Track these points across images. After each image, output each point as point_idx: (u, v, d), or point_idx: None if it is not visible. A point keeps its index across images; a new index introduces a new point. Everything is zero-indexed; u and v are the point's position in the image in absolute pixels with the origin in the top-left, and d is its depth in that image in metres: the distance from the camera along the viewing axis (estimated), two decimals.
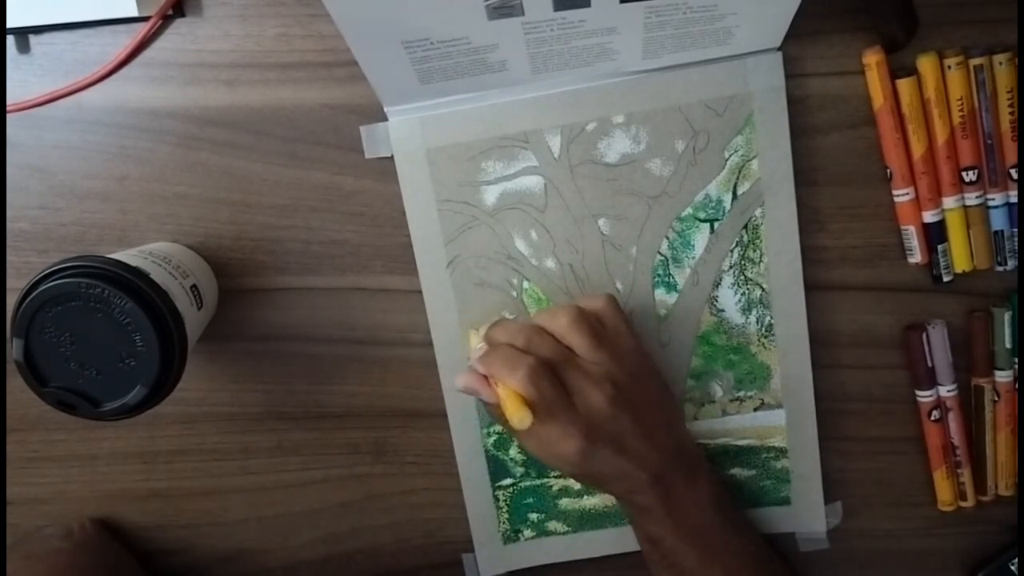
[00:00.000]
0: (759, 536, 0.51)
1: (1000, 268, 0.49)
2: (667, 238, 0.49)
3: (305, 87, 0.48)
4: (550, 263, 0.50)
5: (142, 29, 0.46)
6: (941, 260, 0.49)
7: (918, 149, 0.47)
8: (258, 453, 0.53)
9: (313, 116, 0.48)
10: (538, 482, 0.53)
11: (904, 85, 0.47)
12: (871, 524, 0.54)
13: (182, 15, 0.47)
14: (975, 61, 0.46)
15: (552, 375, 0.44)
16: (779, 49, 0.46)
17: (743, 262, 0.50)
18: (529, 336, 0.45)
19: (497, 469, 0.52)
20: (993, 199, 0.48)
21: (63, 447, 0.52)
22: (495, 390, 0.44)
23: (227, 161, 0.49)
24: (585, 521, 0.53)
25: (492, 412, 0.45)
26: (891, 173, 0.48)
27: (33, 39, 0.47)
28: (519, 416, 0.41)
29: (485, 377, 0.44)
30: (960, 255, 0.49)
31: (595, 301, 0.46)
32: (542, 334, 0.45)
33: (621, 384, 0.44)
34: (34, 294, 0.39)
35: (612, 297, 0.47)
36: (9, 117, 0.48)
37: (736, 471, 0.53)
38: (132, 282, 0.40)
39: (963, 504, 0.53)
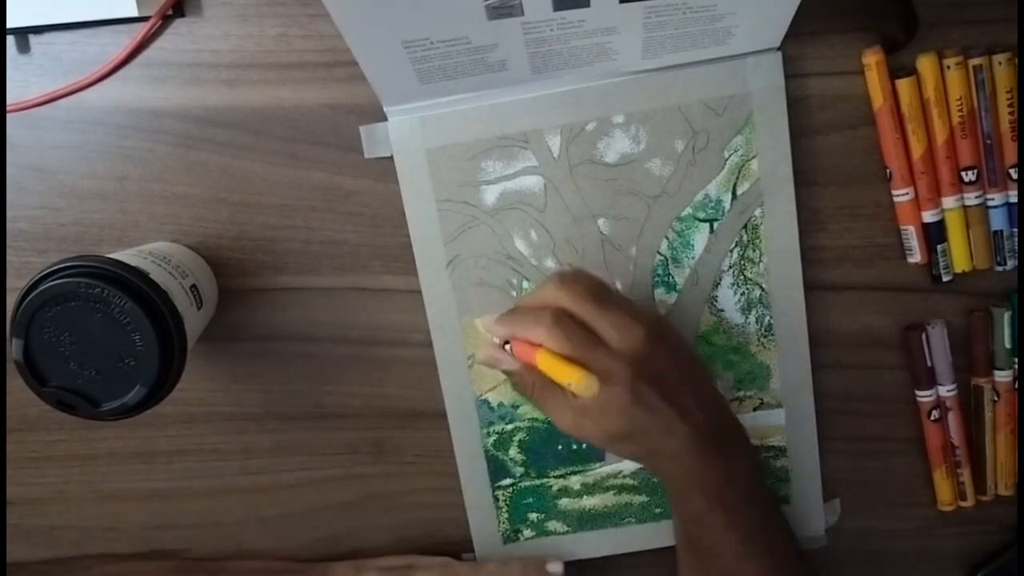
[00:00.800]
0: (791, 531, 0.48)
1: (1000, 268, 0.49)
2: (667, 238, 0.49)
3: (305, 87, 0.48)
4: (550, 263, 0.50)
5: (142, 29, 0.46)
6: (941, 260, 0.49)
7: (918, 149, 0.47)
8: (258, 453, 0.53)
9: (313, 116, 0.48)
10: (538, 482, 0.53)
11: (904, 85, 0.47)
12: (871, 524, 0.54)
13: (182, 15, 0.47)
14: (974, 61, 0.46)
15: (575, 320, 0.41)
16: (779, 49, 0.46)
17: (743, 262, 0.50)
18: (557, 279, 0.43)
19: (497, 469, 0.52)
20: (992, 199, 0.48)
21: (63, 447, 0.52)
22: (514, 357, 0.42)
23: (227, 161, 0.49)
24: (585, 521, 0.53)
25: (520, 385, 0.44)
26: (891, 173, 0.48)
27: (33, 39, 0.47)
28: (582, 381, 0.39)
29: (503, 346, 0.43)
30: (960, 255, 0.49)
31: (567, 272, 0.46)
32: (569, 276, 0.43)
33: (654, 323, 0.42)
34: (34, 294, 0.39)
35: (579, 269, 0.46)
36: (9, 117, 0.48)
37: None
38: (132, 282, 0.40)
39: (963, 504, 0.53)
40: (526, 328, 0.43)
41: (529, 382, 0.43)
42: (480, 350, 0.45)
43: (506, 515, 0.53)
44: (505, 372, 0.45)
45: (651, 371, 0.41)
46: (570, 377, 0.40)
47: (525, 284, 0.50)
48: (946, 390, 0.51)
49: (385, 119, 0.48)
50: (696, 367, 0.44)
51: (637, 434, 0.42)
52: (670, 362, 0.42)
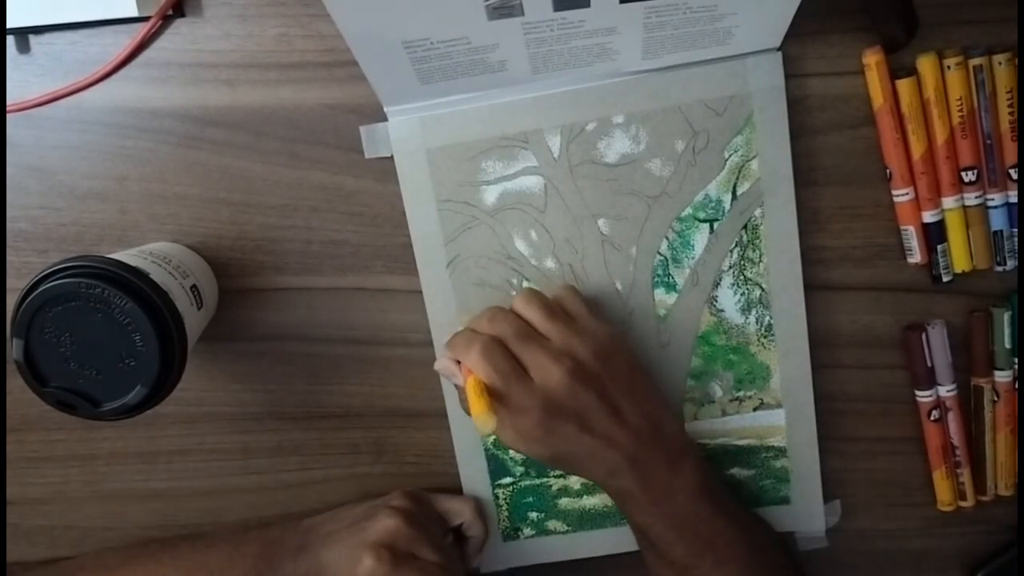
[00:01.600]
0: (755, 523, 0.50)
1: (999, 268, 0.49)
2: (667, 238, 0.49)
3: (305, 87, 0.48)
4: (550, 263, 0.50)
5: (142, 29, 0.46)
6: (940, 260, 0.49)
7: (918, 149, 0.47)
8: (258, 453, 0.53)
9: (313, 116, 0.48)
10: (538, 481, 0.53)
11: (904, 85, 0.47)
12: (871, 524, 0.54)
13: (182, 15, 0.47)
14: (975, 61, 0.46)
15: (506, 351, 0.44)
16: (779, 49, 0.46)
17: (743, 262, 0.50)
18: (490, 316, 0.46)
19: (497, 468, 0.52)
20: (992, 199, 0.48)
21: (63, 447, 0.52)
22: (465, 378, 0.44)
23: (227, 161, 0.49)
24: (585, 520, 0.53)
25: (464, 402, 0.46)
26: (891, 173, 0.48)
27: (33, 39, 0.47)
28: (477, 419, 0.41)
29: (459, 363, 0.45)
30: (959, 255, 0.49)
31: (555, 290, 0.48)
32: (503, 313, 0.46)
33: (581, 359, 0.44)
34: (34, 294, 0.39)
35: (571, 286, 0.48)
36: (9, 117, 0.48)
37: (736, 471, 0.53)
38: (132, 282, 0.40)
39: (963, 504, 0.53)
40: (462, 351, 0.45)
41: (462, 393, 0.45)
42: (439, 359, 0.47)
43: (506, 514, 0.53)
44: (456, 387, 0.47)
45: (567, 407, 0.43)
46: (474, 410, 0.42)
47: (525, 284, 0.50)
48: (946, 390, 0.51)
49: (385, 119, 0.48)
50: (632, 392, 0.46)
51: (560, 459, 0.45)
52: (594, 396, 0.44)
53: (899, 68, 0.47)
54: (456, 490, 0.53)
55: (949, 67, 0.46)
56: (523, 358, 0.44)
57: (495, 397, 0.43)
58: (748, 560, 0.46)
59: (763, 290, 0.50)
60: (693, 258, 0.50)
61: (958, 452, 0.52)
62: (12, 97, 0.47)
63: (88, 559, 0.52)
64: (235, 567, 0.47)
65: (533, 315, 0.46)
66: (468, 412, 0.46)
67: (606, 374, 0.45)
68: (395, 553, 0.44)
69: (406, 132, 0.48)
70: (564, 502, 0.53)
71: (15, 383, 0.48)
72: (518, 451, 0.45)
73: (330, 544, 0.47)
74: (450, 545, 0.51)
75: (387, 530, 0.46)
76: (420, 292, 0.50)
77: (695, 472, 0.46)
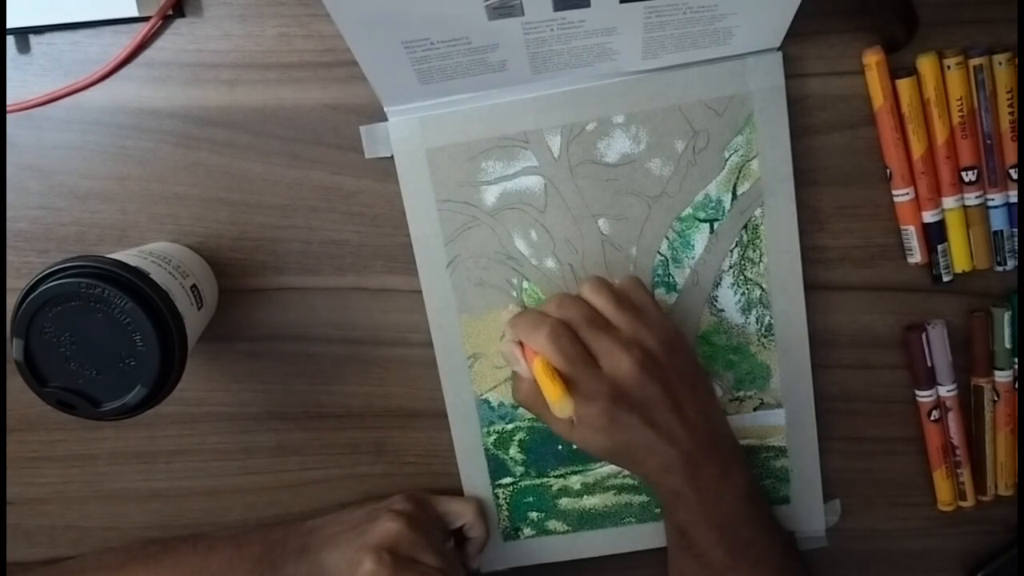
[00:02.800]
0: (787, 537, 0.51)
1: (1000, 268, 0.49)
2: (667, 238, 0.49)
3: (305, 87, 0.48)
4: (550, 263, 0.50)
5: (142, 29, 0.46)
6: (941, 260, 0.49)
7: (918, 149, 0.47)
8: (258, 453, 0.53)
9: (313, 116, 0.48)
10: (538, 481, 0.53)
11: (904, 85, 0.47)
12: (871, 524, 0.54)
13: (182, 15, 0.47)
14: (975, 61, 0.46)
15: (574, 335, 0.43)
16: (779, 49, 0.46)
17: (743, 262, 0.50)
18: (558, 301, 0.45)
19: (497, 468, 0.52)
20: (993, 199, 0.48)
21: (63, 447, 0.52)
22: (528, 362, 0.44)
23: (227, 161, 0.49)
24: (585, 521, 0.53)
25: (519, 389, 0.46)
26: (891, 173, 0.48)
27: (33, 39, 0.47)
28: (558, 402, 0.41)
29: (521, 345, 0.45)
30: (960, 255, 0.49)
31: (621, 280, 0.47)
32: (571, 298, 0.45)
33: (650, 350, 0.43)
34: (34, 294, 0.39)
35: (636, 277, 0.47)
36: (9, 117, 0.48)
37: None
38: (132, 282, 0.40)
39: (963, 504, 0.53)
40: (527, 332, 0.44)
41: (533, 388, 0.44)
42: (503, 341, 0.47)
43: (506, 514, 0.53)
44: (514, 370, 0.46)
45: (634, 397, 0.43)
46: (551, 394, 0.42)
47: (525, 284, 0.50)
48: (946, 390, 0.51)
49: (385, 119, 0.48)
50: (695, 390, 0.45)
51: (619, 451, 0.44)
52: (659, 389, 0.43)
53: (899, 68, 0.47)
54: (456, 490, 0.53)
55: (949, 67, 0.46)
56: (592, 345, 0.43)
57: (566, 384, 0.42)
58: (780, 563, 0.47)
59: (763, 290, 0.50)
60: (693, 258, 0.50)
61: (958, 452, 0.52)
62: (12, 97, 0.47)
63: (89, 560, 0.52)
64: (236, 569, 0.47)
65: (602, 303, 0.45)
66: (518, 400, 0.46)
67: (672, 368, 0.44)
68: (396, 557, 0.44)
69: (406, 132, 0.48)
70: (564, 502, 0.53)
71: (15, 383, 0.48)
72: (574, 440, 0.44)
73: (331, 546, 0.47)
74: (451, 549, 0.51)
75: (388, 533, 0.45)
76: (420, 292, 0.50)
77: (743, 475, 0.46)
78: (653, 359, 0.43)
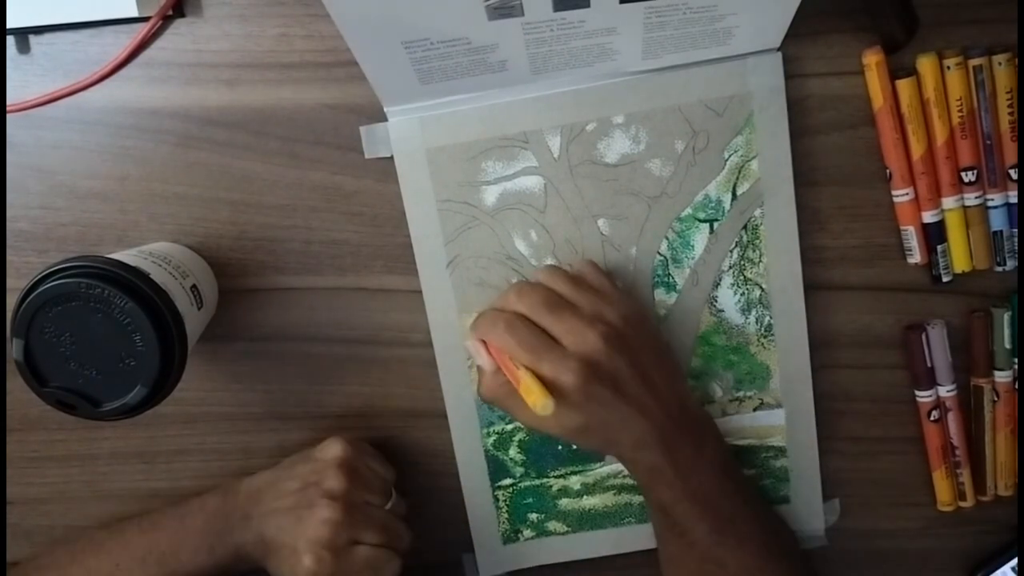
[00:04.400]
0: (768, 505, 0.51)
1: (999, 268, 0.49)
2: (667, 238, 0.49)
3: (305, 87, 0.48)
4: (550, 263, 0.50)
5: (142, 29, 0.46)
6: (940, 260, 0.49)
7: (917, 149, 0.47)
8: (258, 453, 0.53)
9: (313, 116, 0.48)
10: (538, 482, 0.53)
11: (904, 85, 0.47)
12: (870, 524, 0.54)
13: (182, 15, 0.47)
14: (974, 61, 0.46)
15: (531, 324, 0.44)
16: (779, 49, 0.46)
17: (743, 262, 0.50)
18: (517, 291, 0.45)
19: (497, 469, 0.52)
20: (992, 199, 0.48)
21: (63, 447, 0.52)
22: (490, 357, 0.44)
23: (227, 161, 0.49)
24: (585, 521, 0.53)
25: (484, 385, 0.46)
26: (891, 173, 0.48)
27: (33, 39, 0.47)
28: (539, 401, 0.40)
29: (484, 344, 0.45)
30: (959, 255, 0.49)
31: (575, 264, 0.48)
32: (529, 286, 0.46)
33: (613, 324, 0.44)
34: (34, 294, 0.39)
35: (591, 260, 0.48)
36: (9, 117, 0.48)
37: None
38: (132, 282, 0.40)
39: (962, 504, 0.53)
40: (486, 330, 0.45)
41: (495, 383, 0.45)
42: (468, 340, 0.47)
43: (506, 515, 0.53)
44: (477, 365, 0.47)
45: (604, 371, 0.43)
46: (530, 396, 0.41)
47: None
48: (946, 390, 0.51)
49: (385, 119, 0.48)
50: (661, 363, 0.46)
51: (593, 428, 0.44)
52: (626, 361, 0.43)
53: (899, 68, 0.47)
54: (456, 490, 0.53)
55: (949, 67, 0.46)
56: (554, 328, 0.43)
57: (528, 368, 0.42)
58: (766, 540, 0.46)
59: (763, 290, 0.50)
60: (693, 258, 0.50)
61: (958, 452, 0.52)
62: (12, 97, 0.47)
63: (42, 559, 0.52)
64: (184, 544, 0.48)
65: (560, 286, 0.45)
66: (483, 396, 0.47)
67: (637, 340, 0.44)
68: (335, 550, 0.45)
69: (406, 132, 0.48)
70: (564, 503, 0.53)
71: (15, 383, 0.48)
72: (547, 427, 0.43)
73: (271, 524, 0.47)
74: (392, 507, 0.50)
75: (325, 525, 0.45)
76: (420, 292, 0.50)
77: (718, 448, 0.46)
78: (617, 332, 0.44)
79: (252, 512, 0.48)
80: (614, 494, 0.53)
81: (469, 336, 0.47)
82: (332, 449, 0.49)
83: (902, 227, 0.49)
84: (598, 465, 0.53)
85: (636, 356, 0.44)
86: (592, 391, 0.42)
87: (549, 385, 0.42)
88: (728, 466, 0.47)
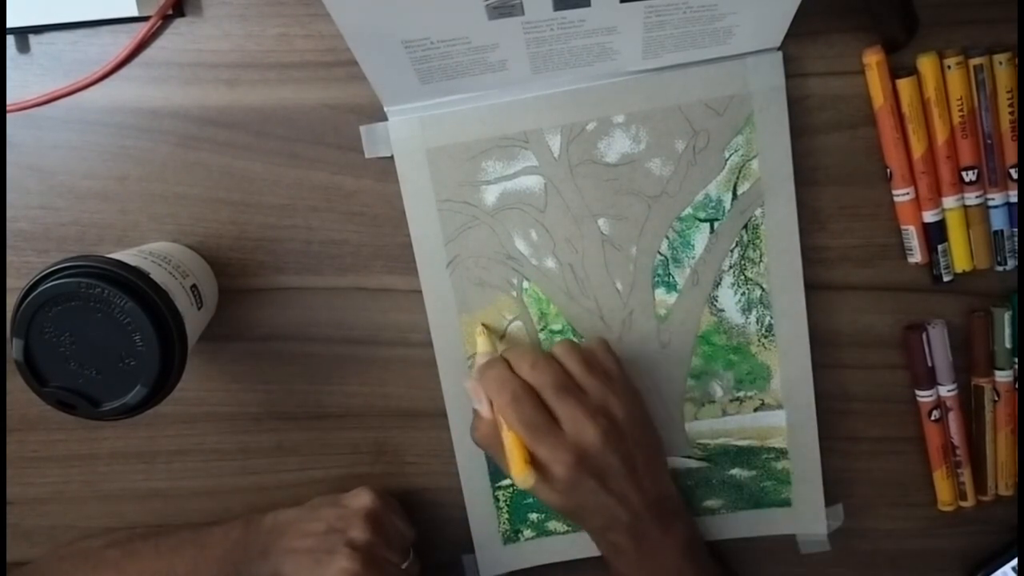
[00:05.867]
0: None
1: (1000, 268, 0.49)
2: (667, 238, 0.49)
3: (305, 87, 0.48)
4: (550, 263, 0.50)
5: (142, 29, 0.46)
6: (941, 260, 0.49)
7: (918, 149, 0.47)
8: (258, 453, 0.53)
9: (313, 116, 0.48)
10: None
11: (904, 85, 0.47)
12: (871, 524, 0.54)
13: (182, 15, 0.47)
14: (975, 61, 0.46)
15: (537, 400, 0.44)
16: (779, 49, 0.46)
17: (743, 262, 0.50)
18: (532, 361, 0.45)
19: (496, 470, 0.52)
20: (993, 199, 0.48)
21: (63, 447, 0.52)
22: (489, 407, 0.45)
23: (227, 161, 0.49)
24: None
25: (478, 430, 0.47)
26: (891, 173, 0.48)
27: (33, 39, 0.47)
28: (519, 475, 0.42)
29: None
30: (960, 255, 0.49)
31: (588, 342, 0.48)
32: (545, 360, 0.45)
33: (616, 420, 0.44)
34: (34, 294, 0.39)
35: (604, 339, 0.48)
36: (9, 117, 0.48)
37: (736, 472, 0.53)
38: (132, 282, 0.40)
39: (963, 504, 0.53)
40: (493, 390, 0.45)
41: (490, 432, 0.46)
42: (468, 380, 0.47)
43: (506, 515, 0.53)
44: (474, 408, 0.47)
45: (595, 464, 0.44)
46: (513, 465, 0.43)
47: (525, 284, 0.50)
48: (946, 390, 0.51)
49: (385, 119, 0.48)
50: (651, 459, 0.47)
51: (570, 509, 0.45)
52: (619, 458, 0.44)
53: (899, 68, 0.47)
54: (457, 491, 0.53)
55: (949, 67, 0.46)
56: (558, 411, 0.44)
57: (528, 444, 0.43)
58: None
59: (763, 290, 0.50)
60: (693, 258, 0.50)
61: (958, 452, 0.52)
62: (12, 97, 0.47)
63: (47, 566, 0.52)
64: (200, 572, 0.48)
65: (573, 366, 0.45)
66: (476, 441, 0.48)
67: (633, 439, 0.45)
68: None
69: (406, 132, 0.48)
70: None
71: (15, 383, 0.48)
72: (529, 490, 0.44)
73: (289, 562, 0.47)
74: (410, 567, 0.50)
75: (342, 573, 0.45)
76: (420, 292, 0.50)
77: (684, 532, 0.47)
78: (617, 430, 0.44)
79: (272, 548, 0.48)
80: None
81: (472, 378, 0.47)
82: (362, 499, 0.49)
83: (903, 227, 0.49)
84: None
85: (629, 453, 0.45)
86: (579, 481, 0.43)
87: (540, 466, 0.43)
88: (692, 548, 0.47)
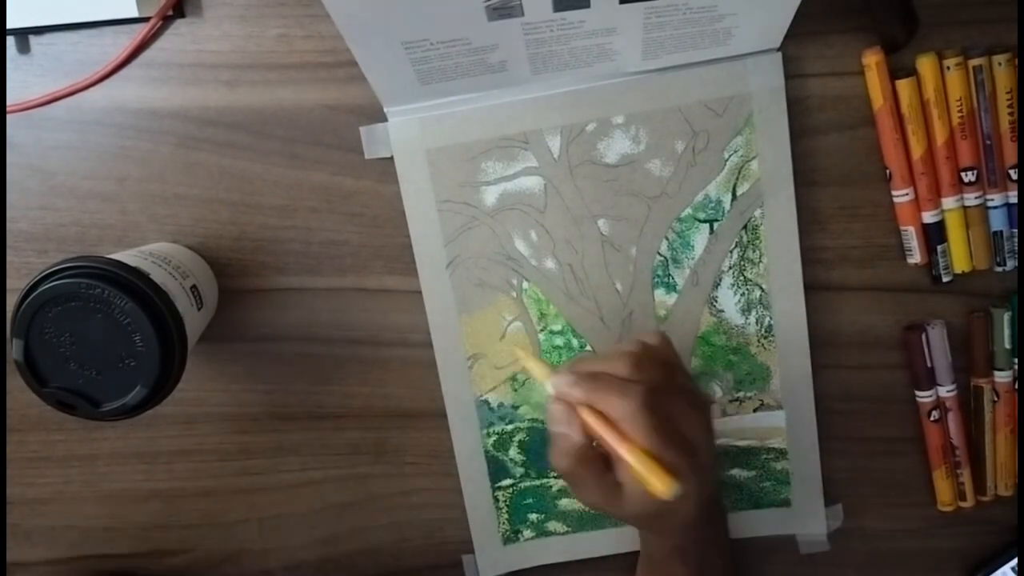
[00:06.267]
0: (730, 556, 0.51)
1: (999, 268, 0.49)
2: (667, 238, 0.49)
3: (305, 87, 0.48)
4: (550, 263, 0.50)
5: (142, 29, 0.46)
6: (940, 260, 0.49)
7: (917, 149, 0.47)
8: (258, 453, 0.53)
9: (313, 116, 0.48)
10: (538, 482, 0.53)
11: (904, 85, 0.47)
12: (871, 524, 0.54)
13: (182, 15, 0.47)
14: (974, 62, 0.46)
15: (663, 409, 0.39)
16: (779, 49, 0.46)
17: (743, 262, 0.50)
18: (635, 362, 0.40)
19: (497, 470, 0.52)
20: (992, 199, 0.48)
21: (63, 447, 0.52)
22: (584, 421, 0.39)
23: (227, 161, 0.49)
24: (585, 521, 0.53)
25: (559, 447, 0.40)
26: (890, 173, 0.48)
27: (33, 39, 0.47)
28: (668, 488, 0.37)
29: (572, 407, 0.40)
30: (959, 255, 0.49)
31: (652, 337, 0.43)
32: (644, 359, 0.40)
33: (706, 410, 0.41)
34: (34, 294, 0.39)
35: (664, 334, 0.44)
36: (9, 117, 0.48)
37: (736, 472, 0.53)
38: (132, 282, 0.40)
39: (963, 504, 0.53)
40: (607, 399, 0.39)
41: (581, 455, 0.40)
42: (549, 399, 0.41)
43: (506, 515, 0.53)
44: (554, 431, 0.41)
45: (706, 468, 0.40)
46: (655, 479, 0.37)
47: (525, 284, 0.50)
48: (946, 390, 0.51)
49: (385, 119, 0.48)
50: (713, 447, 0.43)
51: (661, 515, 0.41)
52: (711, 455, 0.41)
53: (899, 68, 0.47)
54: (457, 491, 0.53)
55: (949, 67, 0.46)
56: (671, 411, 0.39)
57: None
58: None
59: (763, 290, 0.50)
60: (693, 258, 0.50)
61: (958, 452, 0.52)
62: (12, 97, 0.47)
63: None
64: None
65: (656, 372, 0.40)
66: (558, 466, 0.41)
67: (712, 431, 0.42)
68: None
69: (406, 133, 0.48)
70: (564, 503, 0.53)
71: (15, 383, 0.48)
72: (606, 511, 0.40)
73: None
74: None
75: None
76: (420, 292, 0.50)
77: (723, 521, 0.49)
78: (708, 416, 0.42)
79: None
80: None
81: (554, 394, 0.40)
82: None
83: (902, 227, 0.49)
84: None
85: (711, 445, 0.42)
86: (704, 479, 0.40)
87: (671, 472, 0.38)
88: (721, 538, 0.48)
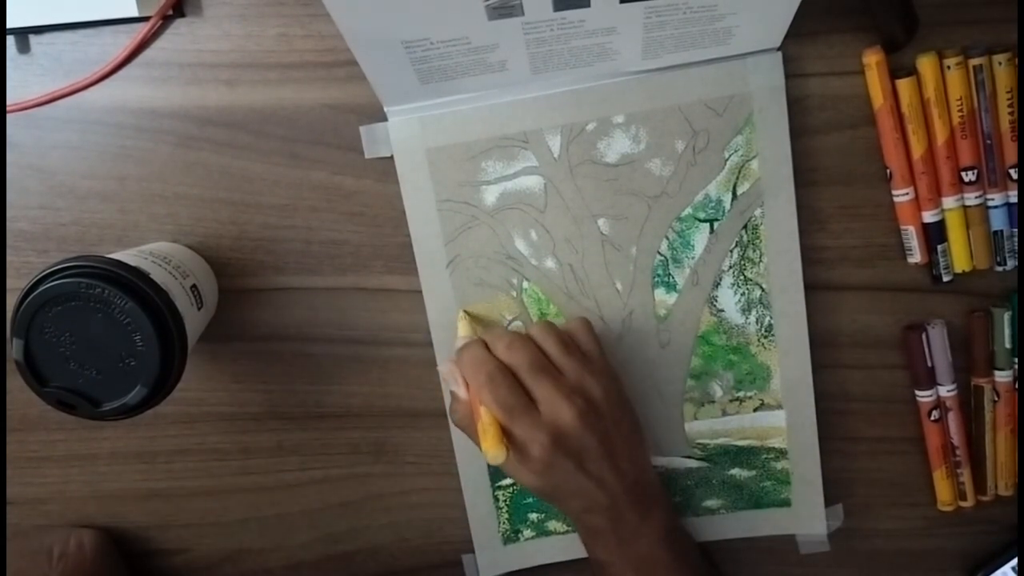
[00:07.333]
0: (708, 572, 0.51)
1: (999, 268, 0.49)
2: (667, 238, 0.49)
3: (305, 87, 0.48)
4: (550, 263, 0.50)
5: (142, 29, 0.46)
6: (941, 260, 0.49)
7: (918, 149, 0.47)
8: (258, 453, 0.53)
9: (313, 116, 0.48)
10: None
11: (904, 85, 0.47)
12: (871, 524, 0.54)
13: (182, 15, 0.47)
14: (975, 61, 0.46)
15: (514, 382, 0.43)
16: (779, 49, 0.46)
17: (743, 262, 0.50)
18: (508, 343, 0.45)
19: (497, 470, 0.52)
20: (992, 199, 0.48)
21: (63, 447, 0.52)
22: (466, 387, 0.45)
23: (227, 161, 0.49)
24: None
25: (456, 412, 0.46)
26: (891, 173, 0.48)
27: (33, 39, 0.47)
28: (489, 451, 0.41)
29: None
30: (960, 255, 0.49)
31: (569, 323, 0.47)
32: (521, 340, 0.45)
33: (593, 400, 0.44)
34: (34, 294, 0.39)
35: (585, 319, 0.48)
36: (9, 117, 0.48)
37: (736, 472, 0.53)
38: (132, 282, 0.40)
39: (963, 504, 0.53)
40: (469, 370, 0.44)
41: (467, 412, 0.45)
42: (443, 363, 0.47)
43: (506, 515, 0.53)
44: (451, 390, 0.46)
45: (572, 445, 0.43)
46: (485, 442, 0.42)
47: (525, 284, 0.50)
48: (946, 390, 0.51)
49: (385, 119, 0.48)
50: (629, 440, 0.46)
51: (547, 491, 0.45)
52: (596, 439, 0.44)
53: (899, 68, 0.47)
54: (457, 491, 0.53)
55: (949, 67, 0.46)
56: (534, 391, 0.43)
57: (504, 425, 0.43)
58: None
59: (763, 290, 0.50)
60: (693, 258, 0.50)
61: (958, 452, 0.52)
62: (12, 97, 0.47)
63: None
64: None
65: (550, 347, 0.45)
66: (454, 421, 0.47)
67: (611, 419, 0.45)
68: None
69: (406, 132, 0.48)
70: None
71: (15, 383, 0.48)
72: (506, 471, 0.44)
73: None
74: None
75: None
76: (420, 292, 0.50)
77: (663, 520, 0.47)
78: (595, 410, 0.44)
79: None
80: None
81: (449, 360, 0.46)
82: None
83: (902, 227, 0.49)
84: None
85: (606, 433, 0.44)
86: (555, 462, 0.43)
87: (517, 446, 0.43)
88: (671, 536, 0.47)
